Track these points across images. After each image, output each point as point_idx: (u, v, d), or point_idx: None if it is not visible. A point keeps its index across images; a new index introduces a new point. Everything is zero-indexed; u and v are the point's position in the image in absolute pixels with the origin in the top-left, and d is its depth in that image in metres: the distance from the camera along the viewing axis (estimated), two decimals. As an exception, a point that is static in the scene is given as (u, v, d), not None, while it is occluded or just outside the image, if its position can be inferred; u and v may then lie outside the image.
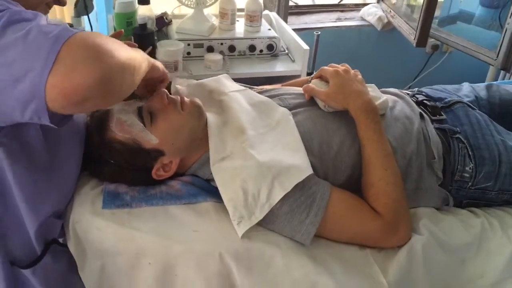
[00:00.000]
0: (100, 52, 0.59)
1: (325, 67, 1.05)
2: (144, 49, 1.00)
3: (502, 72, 2.17)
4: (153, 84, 0.94)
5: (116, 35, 1.02)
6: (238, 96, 1.05)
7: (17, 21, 0.60)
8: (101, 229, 0.85)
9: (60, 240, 0.91)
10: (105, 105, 0.66)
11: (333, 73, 1.00)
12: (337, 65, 1.05)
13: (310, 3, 2.53)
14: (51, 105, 0.58)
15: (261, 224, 0.85)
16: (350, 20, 2.42)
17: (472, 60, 1.96)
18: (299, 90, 1.10)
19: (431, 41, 2.05)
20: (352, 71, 1.03)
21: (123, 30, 1.07)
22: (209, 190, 0.93)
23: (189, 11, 1.70)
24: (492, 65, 1.88)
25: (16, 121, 0.64)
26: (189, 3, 1.63)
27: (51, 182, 0.84)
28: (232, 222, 0.84)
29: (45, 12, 0.90)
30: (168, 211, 0.88)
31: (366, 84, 1.03)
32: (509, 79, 2.10)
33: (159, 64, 0.88)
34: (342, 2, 2.56)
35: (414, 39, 2.04)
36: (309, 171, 0.88)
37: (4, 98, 0.60)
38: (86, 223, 0.87)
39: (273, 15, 1.91)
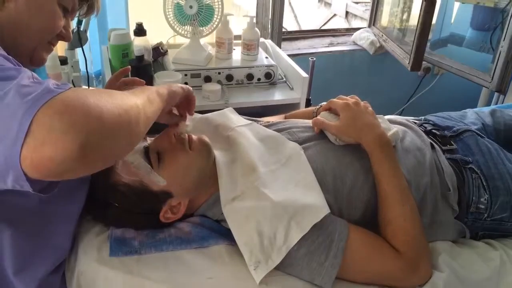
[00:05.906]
0: (81, 117, 0.50)
1: (334, 100, 1.02)
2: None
3: (496, 94, 2.19)
4: (182, 107, 0.91)
5: (123, 72, 0.98)
6: (246, 131, 1.02)
7: None
8: (109, 279, 0.80)
9: None
10: (93, 171, 0.57)
11: (344, 106, 0.98)
12: (346, 97, 1.02)
13: (297, 29, 2.55)
14: (29, 174, 0.51)
15: (278, 267, 0.81)
16: (342, 45, 2.43)
17: (463, 82, 1.97)
18: (307, 122, 1.07)
19: (423, 63, 2.06)
20: (362, 102, 1.01)
21: (129, 67, 1.02)
22: (220, 232, 0.89)
23: (184, 41, 1.68)
24: (487, 88, 1.89)
25: (1, 188, 0.57)
26: (185, 33, 1.61)
27: (44, 241, 0.78)
28: (249, 267, 0.80)
29: (49, 51, 0.86)
30: (179, 257, 0.83)
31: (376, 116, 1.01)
32: (503, 101, 2.12)
33: (176, 88, 0.82)
34: (333, 27, 2.57)
35: (409, 63, 2.05)
36: (326, 210, 0.84)
37: None
38: (92, 273, 0.81)
39: (269, 42, 1.90)
